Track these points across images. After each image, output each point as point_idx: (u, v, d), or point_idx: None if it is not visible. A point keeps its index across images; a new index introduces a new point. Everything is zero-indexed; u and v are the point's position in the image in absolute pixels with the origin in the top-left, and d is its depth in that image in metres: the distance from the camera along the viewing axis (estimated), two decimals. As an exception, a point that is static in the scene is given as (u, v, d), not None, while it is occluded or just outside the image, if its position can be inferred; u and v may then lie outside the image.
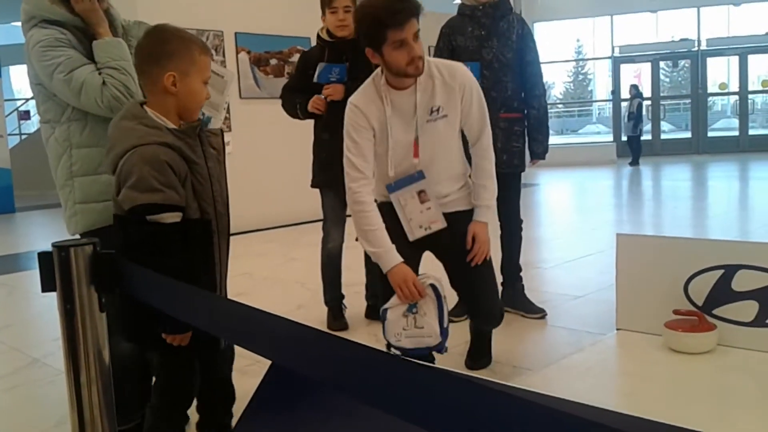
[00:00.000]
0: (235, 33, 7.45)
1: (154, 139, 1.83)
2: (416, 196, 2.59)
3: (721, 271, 3.11)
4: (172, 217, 1.83)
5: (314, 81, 3.52)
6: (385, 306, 2.50)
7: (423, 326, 2.45)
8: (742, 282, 3.06)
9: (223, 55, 7.36)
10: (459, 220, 2.67)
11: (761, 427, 2.38)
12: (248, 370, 2.96)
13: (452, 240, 2.66)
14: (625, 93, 16.29)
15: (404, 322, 2.45)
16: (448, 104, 2.56)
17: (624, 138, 14.88)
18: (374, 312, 3.86)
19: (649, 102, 17.15)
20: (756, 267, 3.01)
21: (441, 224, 2.62)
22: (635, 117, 14.34)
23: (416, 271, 2.58)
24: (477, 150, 2.68)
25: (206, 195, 1.96)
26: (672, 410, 2.53)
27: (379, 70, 2.57)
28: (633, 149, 14.39)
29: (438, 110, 2.55)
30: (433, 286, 2.48)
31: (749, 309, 3.05)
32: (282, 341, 1.08)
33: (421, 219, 2.60)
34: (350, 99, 2.60)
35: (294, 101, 3.64)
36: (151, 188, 1.79)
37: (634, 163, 14.20)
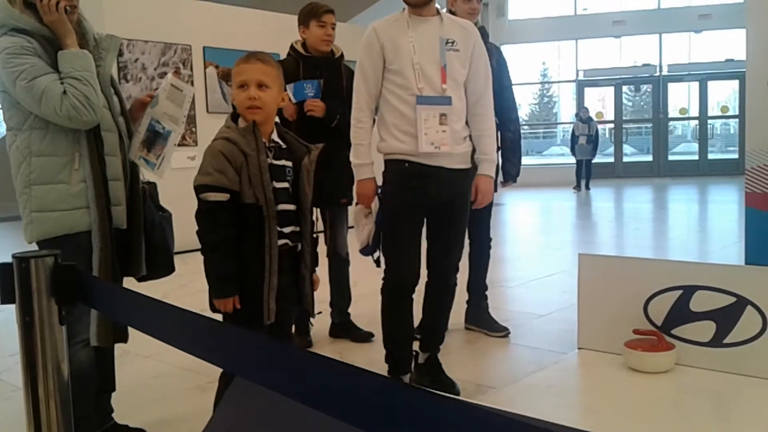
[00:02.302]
0: (204, 47, 7.42)
1: (221, 135, 2.19)
2: (438, 117, 2.77)
3: (679, 292, 3.17)
4: (216, 196, 2.13)
5: (294, 102, 3.51)
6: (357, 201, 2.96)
7: (363, 230, 2.93)
8: (699, 302, 3.12)
9: (191, 69, 7.32)
10: (456, 178, 2.85)
11: (717, 445, 2.43)
12: (208, 387, 2.93)
13: (447, 197, 2.84)
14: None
15: (364, 220, 2.93)
16: (461, 42, 2.83)
17: (580, 158, 14.26)
18: (339, 330, 3.84)
19: (612, 125, 17.50)
20: (713, 288, 3.09)
21: (450, 148, 2.78)
22: (594, 140, 14.11)
23: (419, 240, 2.85)
24: (480, 103, 2.92)
25: (257, 183, 2.18)
26: (631, 429, 2.56)
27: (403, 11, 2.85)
28: (588, 173, 14.17)
29: (453, 43, 2.81)
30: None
31: (707, 329, 3.11)
32: (245, 354, 1.08)
33: (435, 138, 2.77)
34: (373, 25, 2.85)
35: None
36: (205, 172, 2.14)
37: (587, 187, 14.08)
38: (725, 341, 3.07)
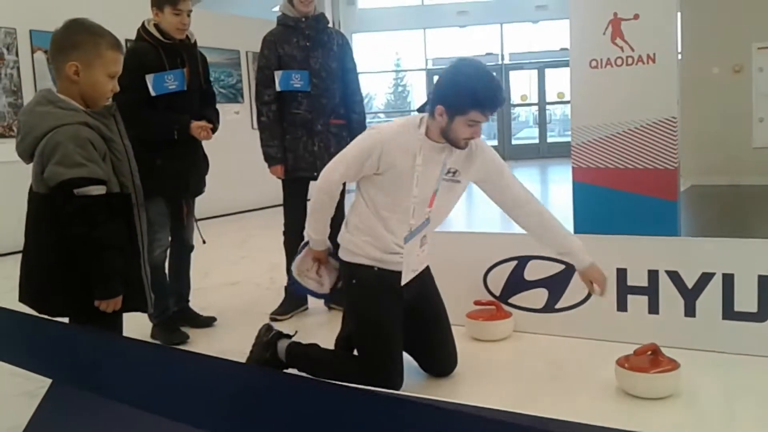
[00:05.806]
0: (30, 30, 6.87)
1: (73, 120, 1.99)
2: (419, 242, 2.64)
3: (515, 263, 3.35)
4: (98, 190, 2.01)
5: (153, 95, 3.32)
6: (304, 243, 2.82)
7: (322, 276, 2.80)
8: (533, 272, 3.32)
9: (17, 55, 6.76)
10: (425, 274, 2.87)
11: (552, 400, 2.60)
12: (38, 393, 2.72)
13: (423, 290, 2.83)
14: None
15: (310, 264, 2.79)
16: (464, 171, 2.69)
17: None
18: (178, 318, 3.65)
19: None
20: (544, 257, 3.28)
21: (425, 265, 2.82)
22: None
23: (402, 324, 2.72)
24: (535, 205, 2.82)
25: (124, 170, 2.14)
26: (474, 394, 2.68)
27: (421, 118, 2.60)
28: None
29: (455, 173, 2.66)
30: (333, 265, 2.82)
31: (540, 296, 3.31)
32: (61, 356, 1.01)
33: (416, 263, 2.68)
34: (383, 131, 2.59)
35: (168, 121, 3.36)
36: (76, 163, 1.95)
37: None
38: (557, 306, 3.28)
